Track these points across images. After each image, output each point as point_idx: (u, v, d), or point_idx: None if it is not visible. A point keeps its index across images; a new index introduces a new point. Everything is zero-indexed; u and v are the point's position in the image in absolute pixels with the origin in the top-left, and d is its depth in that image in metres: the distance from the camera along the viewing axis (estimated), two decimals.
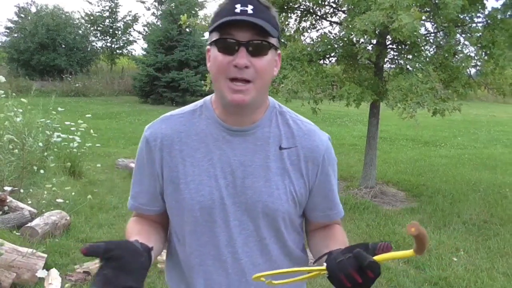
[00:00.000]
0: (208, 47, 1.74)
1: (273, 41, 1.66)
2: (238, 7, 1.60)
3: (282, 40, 8.97)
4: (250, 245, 1.79)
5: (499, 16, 7.71)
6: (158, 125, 1.85)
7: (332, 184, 1.93)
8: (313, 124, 1.89)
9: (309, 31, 9.82)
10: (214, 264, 1.79)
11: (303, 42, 8.86)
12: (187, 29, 24.23)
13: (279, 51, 1.76)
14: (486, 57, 7.69)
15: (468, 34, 8.04)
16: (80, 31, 34.46)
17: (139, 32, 37.68)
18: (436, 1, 7.30)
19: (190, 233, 1.80)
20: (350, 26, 7.49)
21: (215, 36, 1.65)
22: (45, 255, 5.10)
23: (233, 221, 1.76)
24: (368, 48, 8.23)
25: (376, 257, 1.41)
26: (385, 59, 8.71)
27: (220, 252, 1.78)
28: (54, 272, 4.94)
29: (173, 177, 1.78)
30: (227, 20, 1.58)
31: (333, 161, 1.91)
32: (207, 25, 8.74)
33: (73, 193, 7.35)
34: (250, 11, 1.59)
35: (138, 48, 77.66)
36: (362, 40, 7.94)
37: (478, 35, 7.77)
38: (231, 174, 1.74)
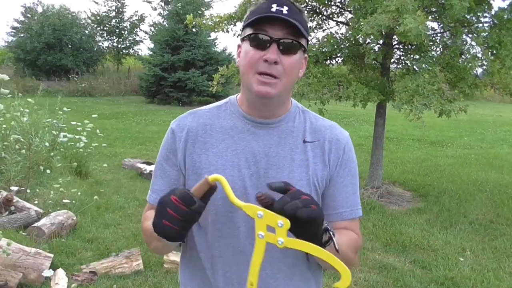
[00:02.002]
0: (239, 43, 1.80)
1: (303, 42, 1.72)
2: (274, 7, 1.65)
3: None
4: None
5: (505, 17, 7.68)
6: (185, 118, 1.90)
7: (349, 178, 1.91)
8: (318, 115, 1.97)
9: (315, 31, 9.82)
10: (234, 255, 1.79)
11: (309, 43, 8.85)
12: (194, 29, 24.25)
13: (306, 55, 1.81)
14: (492, 57, 7.67)
15: (475, 34, 8.02)
16: (87, 31, 34.51)
17: (146, 32, 37.70)
18: (443, 2, 7.28)
19: (211, 224, 1.81)
20: (356, 27, 7.49)
21: (248, 32, 1.71)
22: (52, 255, 5.12)
23: None
24: (374, 48, 8.22)
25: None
26: (392, 60, 8.70)
27: (240, 244, 1.78)
28: (60, 272, 4.96)
29: (196, 168, 1.80)
30: (263, 16, 1.65)
31: (353, 156, 1.93)
32: (213, 25, 8.77)
33: (79, 193, 7.37)
34: (285, 12, 1.65)
35: (145, 48, 77.76)
36: (368, 40, 7.95)
37: (485, 35, 7.74)
38: (255, 164, 1.77)
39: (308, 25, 1.80)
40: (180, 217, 1.42)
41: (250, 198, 1.73)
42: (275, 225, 1.40)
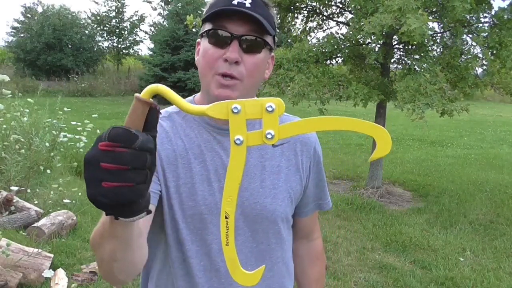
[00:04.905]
0: (198, 40, 1.65)
1: (269, 39, 1.58)
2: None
3: (289, 41, 9.00)
4: (245, 251, 1.67)
5: (505, 17, 7.69)
6: None
7: (323, 173, 1.87)
8: (299, 117, 1.80)
9: (315, 31, 9.84)
10: (205, 275, 1.64)
11: (310, 43, 8.86)
12: (194, 29, 24.24)
13: (273, 54, 1.68)
14: (492, 57, 7.68)
15: (475, 34, 8.03)
16: (87, 31, 34.48)
17: (146, 32, 37.74)
18: (443, 4, 7.29)
19: (177, 243, 1.64)
20: (357, 27, 7.50)
21: (207, 27, 1.56)
22: (52, 255, 5.12)
23: None
24: (374, 48, 8.23)
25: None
26: (392, 60, 8.70)
27: (212, 261, 1.64)
28: (60, 272, 4.96)
29: (165, 179, 1.60)
30: (222, 9, 1.49)
31: (321, 152, 1.85)
32: None
33: (79, 193, 7.36)
34: (248, 5, 1.50)
35: (145, 48, 77.91)
36: (369, 40, 7.96)
37: (485, 35, 7.75)
38: (224, 176, 1.51)
39: (276, 21, 1.62)
40: (125, 165, 0.89)
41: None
42: (262, 113, 1.00)
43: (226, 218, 1.08)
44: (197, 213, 1.60)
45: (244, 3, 1.50)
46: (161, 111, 1.43)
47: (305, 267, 2.00)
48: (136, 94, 0.99)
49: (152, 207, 1.50)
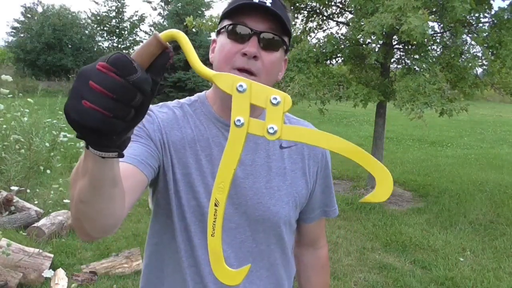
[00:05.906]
0: (214, 37, 1.65)
1: (286, 40, 1.58)
2: None
3: None
4: (244, 250, 1.66)
5: (505, 16, 7.70)
6: (155, 107, 1.66)
7: (331, 180, 1.85)
8: (308, 122, 1.79)
9: (315, 31, 9.83)
10: (205, 268, 1.62)
11: (310, 43, 8.85)
12: (194, 29, 24.25)
13: (286, 57, 1.67)
14: (492, 57, 7.68)
15: (475, 34, 8.03)
16: (87, 31, 34.49)
17: (146, 32, 37.63)
18: (443, 4, 7.29)
19: (184, 231, 1.62)
20: (357, 27, 7.50)
21: (226, 23, 1.55)
22: (52, 255, 5.12)
23: (228, 224, 1.60)
24: (374, 49, 8.24)
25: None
26: (392, 60, 8.70)
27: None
28: (60, 272, 4.95)
29: (172, 164, 1.59)
30: (242, 4, 1.50)
31: (329, 157, 1.82)
32: (213, 25, 8.75)
33: None
34: (268, 4, 1.49)
35: None
36: (369, 40, 7.96)
37: (485, 35, 7.76)
38: None
39: (291, 24, 1.60)
40: (110, 93, 0.84)
41: (226, 210, 1.58)
42: (266, 103, 0.94)
43: (215, 205, 1.00)
44: (199, 205, 1.59)
45: (265, 2, 1.49)
46: (173, 101, 1.54)
47: (310, 276, 1.99)
48: (156, 32, 0.95)
49: (142, 176, 1.44)
